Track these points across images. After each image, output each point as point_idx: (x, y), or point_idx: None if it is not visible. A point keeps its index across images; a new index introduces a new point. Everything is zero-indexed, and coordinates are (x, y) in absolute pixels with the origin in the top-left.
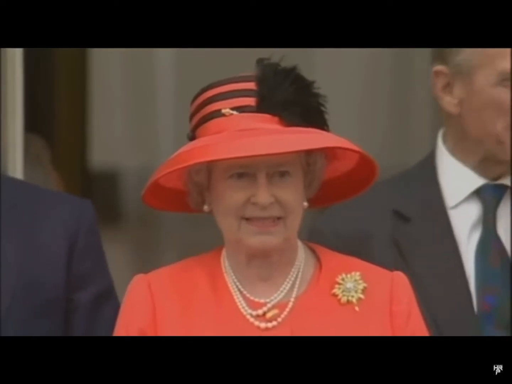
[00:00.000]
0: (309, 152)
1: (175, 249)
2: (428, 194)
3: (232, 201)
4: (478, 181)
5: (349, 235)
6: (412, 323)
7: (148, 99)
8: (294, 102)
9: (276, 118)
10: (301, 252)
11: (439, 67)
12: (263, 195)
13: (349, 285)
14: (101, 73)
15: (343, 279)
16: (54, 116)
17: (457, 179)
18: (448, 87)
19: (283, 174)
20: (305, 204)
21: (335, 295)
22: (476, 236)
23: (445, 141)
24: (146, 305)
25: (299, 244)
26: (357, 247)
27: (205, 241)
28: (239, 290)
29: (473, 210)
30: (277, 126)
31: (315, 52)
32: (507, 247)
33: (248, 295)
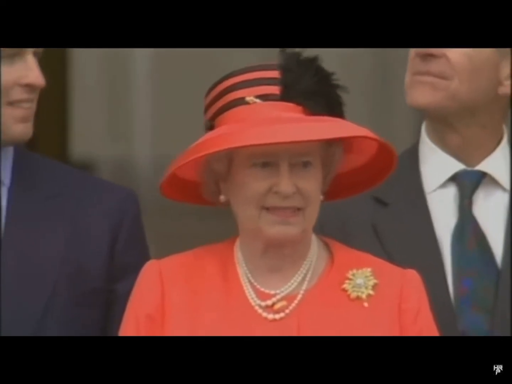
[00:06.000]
0: (329, 144)
1: (152, 239)
2: (408, 180)
3: (254, 190)
4: (456, 167)
5: (328, 219)
6: (420, 322)
7: (126, 92)
8: (318, 92)
9: (299, 108)
10: (314, 246)
11: None
12: (287, 185)
13: (360, 281)
14: (80, 67)
15: (353, 275)
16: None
17: (436, 165)
18: None
19: (305, 164)
20: (321, 197)
21: (344, 290)
22: (454, 220)
23: (427, 130)
24: (155, 291)
25: (313, 237)
26: (335, 231)
27: (177, 232)
28: (249, 281)
29: (451, 195)
30: (301, 115)
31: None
32: (484, 230)
33: (258, 286)
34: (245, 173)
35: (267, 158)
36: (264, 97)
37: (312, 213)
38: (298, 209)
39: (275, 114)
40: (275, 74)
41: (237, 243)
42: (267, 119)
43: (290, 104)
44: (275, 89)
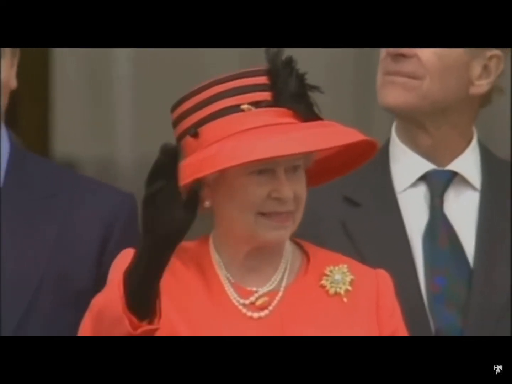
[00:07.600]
0: None
1: None
2: (379, 180)
3: (253, 196)
4: (426, 166)
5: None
6: (395, 320)
7: (107, 92)
8: (303, 94)
9: (291, 112)
10: (288, 244)
11: None
12: (287, 190)
13: (337, 277)
14: (62, 66)
15: (331, 271)
16: (16, 109)
17: (406, 165)
18: None
19: (296, 168)
20: None
21: (323, 286)
22: (425, 219)
23: (397, 130)
24: None
25: None
26: (306, 231)
27: None
28: (229, 281)
29: (422, 194)
30: (295, 120)
31: None
32: (456, 229)
33: (238, 283)
34: (242, 181)
35: (265, 165)
36: (257, 104)
37: (300, 216)
38: (290, 212)
39: (270, 121)
40: (263, 80)
41: (211, 244)
42: (272, 127)
43: (283, 110)
44: (266, 95)
